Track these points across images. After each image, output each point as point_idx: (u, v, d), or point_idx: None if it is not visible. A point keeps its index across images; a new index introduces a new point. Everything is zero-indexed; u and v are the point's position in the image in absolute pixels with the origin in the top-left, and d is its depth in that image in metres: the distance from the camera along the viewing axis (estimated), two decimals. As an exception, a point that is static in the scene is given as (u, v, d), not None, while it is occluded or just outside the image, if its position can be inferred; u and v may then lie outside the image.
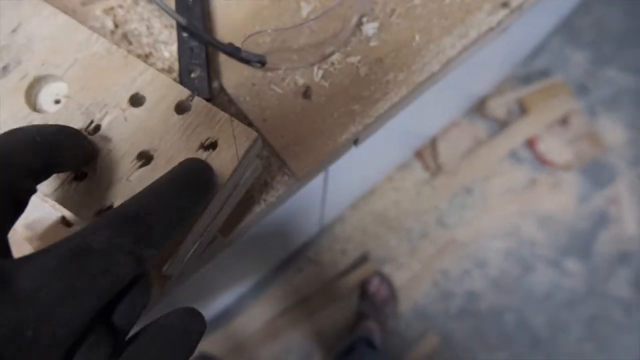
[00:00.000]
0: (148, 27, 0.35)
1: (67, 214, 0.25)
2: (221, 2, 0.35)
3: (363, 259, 1.24)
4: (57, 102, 0.26)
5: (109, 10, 0.35)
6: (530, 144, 1.30)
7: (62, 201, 0.23)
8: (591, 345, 1.15)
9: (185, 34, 0.31)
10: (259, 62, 0.30)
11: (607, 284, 1.19)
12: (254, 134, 0.25)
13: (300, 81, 0.32)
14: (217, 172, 0.24)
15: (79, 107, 0.25)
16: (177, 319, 0.17)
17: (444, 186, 1.29)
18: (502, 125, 1.32)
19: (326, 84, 0.32)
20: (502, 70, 1.15)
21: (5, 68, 0.26)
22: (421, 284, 1.22)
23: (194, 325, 0.18)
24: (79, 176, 0.23)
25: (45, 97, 0.26)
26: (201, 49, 0.31)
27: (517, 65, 1.30)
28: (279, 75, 0.33)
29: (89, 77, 0.26)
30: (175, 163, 0.24)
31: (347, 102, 0.32)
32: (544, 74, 1.34)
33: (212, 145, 0.24)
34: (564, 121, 1.31)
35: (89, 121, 0.25)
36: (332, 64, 0.33)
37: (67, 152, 0.20)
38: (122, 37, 0.34)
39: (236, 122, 0.25)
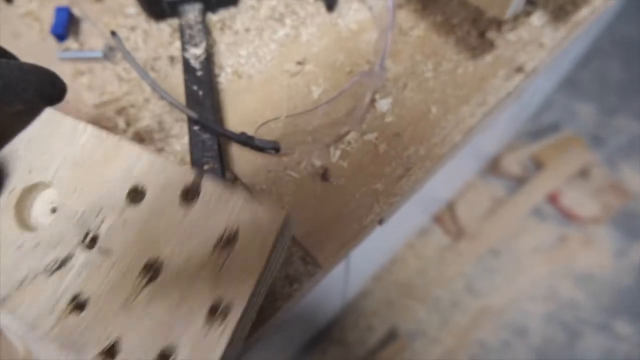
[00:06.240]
0: (159, 123, 0.35)
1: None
2: (231, 93, 0.35)
3: (391, 334, 1.15)
4: (54, 210, 0.22)
5: (121, 111, 0.35)
6: (552, 199, 1.26)
7: (63, 340, 0.19)
8: (663, 422, 1.01)
9: (196, 128, 0.30)
10: (273, 148, 0.29)
11: (666, 347, 1.07)
12: (283, 212, 0.20)
13: (318, 163, 0.31)
14: (243, 272, 0.19)
15: (73, 215, 0.21)
16: None
17: (468, 250, 1.23)
18: (518, 182, 1.29)
19: (345, 164, 0.31)
20: (512, 128, 1.14)
21: (-13, 187, 0.23)
22: (458, 360, 1.12)
23: None
24: (79, 305, 0.19)
25: (42, 208, 0.22)
26: (213, 141, 0.30)
27: (526, 121, 1.31)
28: (295, 159, 0.31)
29: (81, 175, 0.22)
30: (189, 269, 0.19)
31: (368, 181, 0.30)
32: (553, 128, 1.33)
33: (233, 237, 0.20)
34: (584, 174, 1.28)
35: (85, 233, 0.21)
36: (349, 143, 0.32)
37: None
38: (134, 135, 0.33)
39: (257, 201, 0.20)
